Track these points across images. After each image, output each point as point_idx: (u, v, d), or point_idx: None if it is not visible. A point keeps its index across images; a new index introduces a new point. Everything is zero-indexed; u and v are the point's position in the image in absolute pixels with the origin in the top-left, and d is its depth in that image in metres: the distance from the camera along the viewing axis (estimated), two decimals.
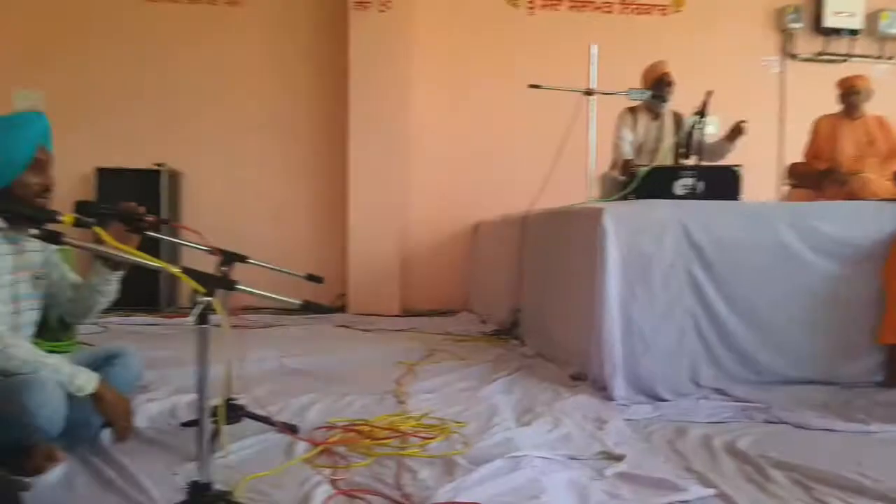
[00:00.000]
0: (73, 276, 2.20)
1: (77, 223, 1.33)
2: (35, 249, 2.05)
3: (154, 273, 5.44)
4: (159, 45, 6.16)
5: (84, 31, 6.10)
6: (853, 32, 6.60)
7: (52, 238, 1.34)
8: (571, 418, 2.62)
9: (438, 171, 6.36)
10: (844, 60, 6.59)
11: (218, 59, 6.22)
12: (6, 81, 5.86)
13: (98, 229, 1.46)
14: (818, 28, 6.63)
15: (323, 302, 1.73)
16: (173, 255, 5.49)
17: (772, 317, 3.14)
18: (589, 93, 4.15)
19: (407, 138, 6.17)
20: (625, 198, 3.71)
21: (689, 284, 3.08)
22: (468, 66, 6.38)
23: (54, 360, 1.85)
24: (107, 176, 5.69)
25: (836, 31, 6.60)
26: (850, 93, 4.76)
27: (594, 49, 4.16)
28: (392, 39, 6.00)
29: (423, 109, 6.31)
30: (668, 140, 4.70)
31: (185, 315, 5.09)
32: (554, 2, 6.48)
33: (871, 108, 4.88)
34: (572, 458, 2.20)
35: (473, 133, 6.38)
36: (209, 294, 1.45)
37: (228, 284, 1.50)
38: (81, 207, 1.93)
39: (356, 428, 2.45)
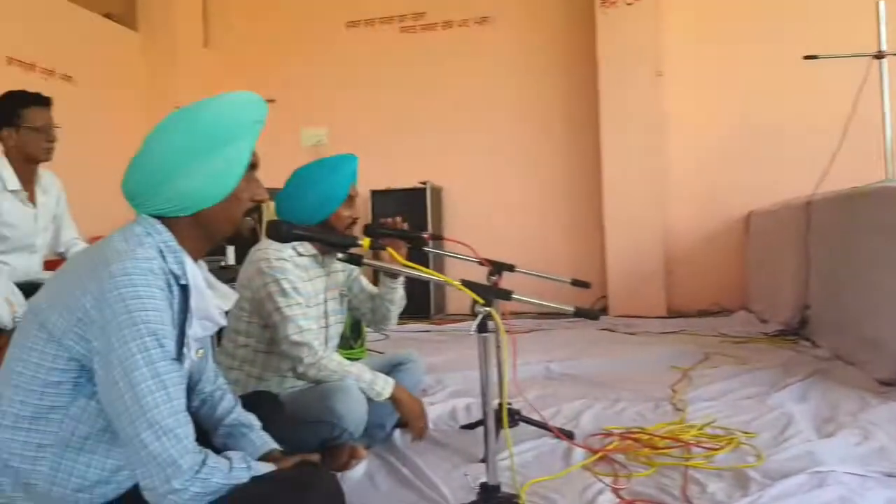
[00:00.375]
0: (371, 287, 2.45)
1: (371, 246, 1.48)
2: (339, 270, 2.34)
3: (425, 284, 5.85)
4: (417, 71, 6.64)
5: (356, 69, 6.79)
6: None
7: (355, 261, 1.51)
8: (884, 430, 2.29)
9: (699, 162, 6.01)
10: None
11: (471, 77, 6.53)
12: (296, 121, 6.71)
13: (390, 250, 1.60)
14: None
15: (584, 305, 1.70)
16: (439, 266, 5.86)
17: None
18: (879, 56, 3.62)
19: (662, 130, 5.90)
20: None
21: None
22: (726, 47, 5.94)
23: (356, 368, 2.06)
24: (378, 196, 6.23)
25: None
26: None
27: (882, 5, 3.63)
28: (641, 31, 5.80)
29: (679, 98, 6.00)
30: None
31: (454, 322, 5.39)
32: None
33: None
34: (890, 476, 1.92)
35: (737, 117, 5.92)
36: (488, 304, 1.50)
37: (505, 295, 1.54)
38: (370, 230, 2.16)
39: (633, 436, 2.37)
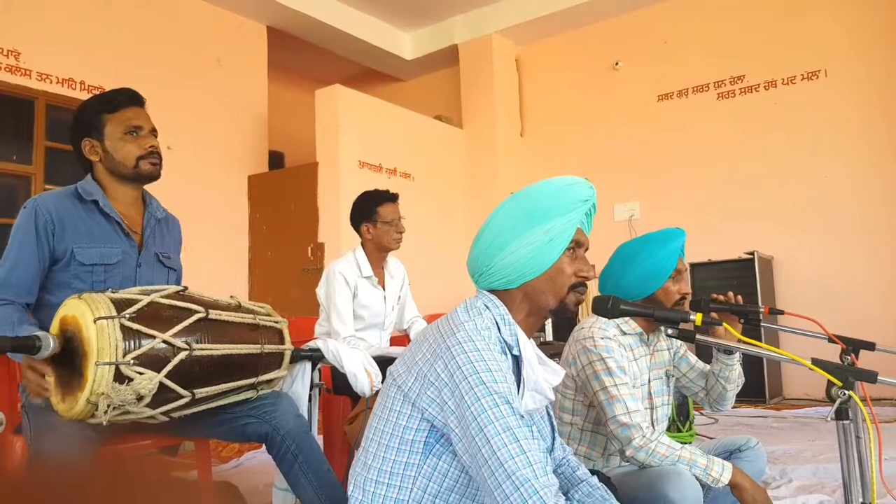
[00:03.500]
0: (701, 364, 2.31)
1: (704, 321, 1.40)
2: (664, 348, 2.24)
3: (759, 364, 5.35)
4: (736, 137, 6.33)
5: (668, 140, 6.70)
6: None
7: (687, 337, 1.44)
8: None
9: None
10: None
11: (799, 138, 6.03)
12: (608, 197, 6.79)
13: (726, 325, 1.50)
14: None
15: None
16: (772, 345, 5.32)
17: None
18: None
19: None
20: None
21: None
22: None
23: (688, 452, 1.92)
24: (699, 270, 5.92)
25: None
26: None
27: None
28: None
29: None
30: None
31: (795, 407, 4.82)
32: None
33: None
34: None
35: None
36: (847, 387, 1.32)
37: (869, 376, 1.33)
38: (699, 305, 2.05)
39: None
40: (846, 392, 1.32)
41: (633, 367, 2.10)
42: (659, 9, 6.81)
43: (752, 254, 5.71)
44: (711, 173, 6.40)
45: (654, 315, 1.49)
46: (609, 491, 1.54)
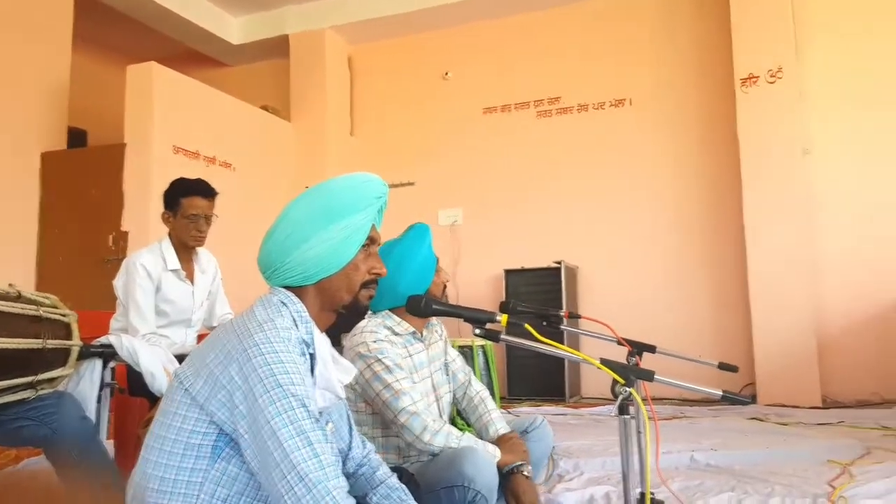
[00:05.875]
0: (462, 362, 2.43)
1: (509, 323, 1.48)
2: (437, 339, 2.33)
3: (560, 365, 5.73)
4: (553, 154, 6.76)
5: (491, 152, 7.00)
6: None
7: (492, 336, 1.51)
8: None
9: (855, 241, 5.62)
10: None
11: (607, 158, 6.56)
12: (433, 202, 6.98)
13: (528, 326, 1.59)
14: None
15: (730, 392, 1.60)
16: (574, 347, 5.73)
17: None
18: None
19: (811, 210, 5.63)
20: None
21: None
22: (878, 120, 5.63)
23: (467, 436, 2.02)
24: (513, 276, 6.25)
25: None
26: None
27: None
28: (784, 109, 5.63)
29: (829, 176, 5.72)
30: None
31: (591, 406, 5.20)
32: None
33: None
34: None
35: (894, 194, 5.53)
36: (629, 384, 1.45)
37: (647, 375, 1.48)
38: (506, 307, 2.16)
39: None
40: (627, 389, 1.45)
41: (409, 363, 2.14)
42: (487, 25, 7.11)
43: (559, 263, 6.12)
44: (529, 185, 6.78)
45: (463, 315, 1.55)
46: (407, 491, 1.55)
